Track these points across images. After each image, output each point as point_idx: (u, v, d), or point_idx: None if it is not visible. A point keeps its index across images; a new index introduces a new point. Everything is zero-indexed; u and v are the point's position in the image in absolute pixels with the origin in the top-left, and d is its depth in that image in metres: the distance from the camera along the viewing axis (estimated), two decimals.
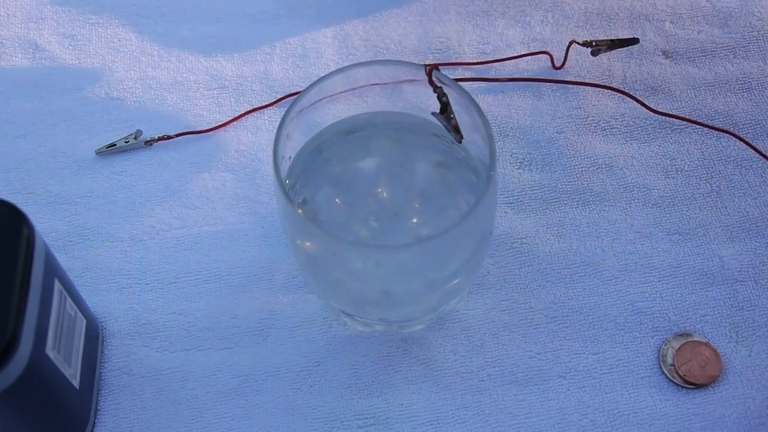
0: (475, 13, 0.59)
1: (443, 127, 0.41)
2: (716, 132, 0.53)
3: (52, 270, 0.40)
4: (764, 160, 0.52)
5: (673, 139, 0.53)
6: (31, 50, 0.59)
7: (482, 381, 0.46)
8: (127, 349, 0.47)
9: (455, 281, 0.42)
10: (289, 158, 0.43)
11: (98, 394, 0.46)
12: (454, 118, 0.38)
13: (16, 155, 0.54)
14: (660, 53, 0.56)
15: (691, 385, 0.45)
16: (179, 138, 0.54)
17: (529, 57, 0.56)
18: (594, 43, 0.54)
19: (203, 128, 0.55)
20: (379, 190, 0.45)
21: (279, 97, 0.56)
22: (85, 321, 0.44)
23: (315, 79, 0.43)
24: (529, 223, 0.50)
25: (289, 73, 0.57)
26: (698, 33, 0.57)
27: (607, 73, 0.56)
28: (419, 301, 0.43)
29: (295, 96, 0.41)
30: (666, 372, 0.45)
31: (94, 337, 0.46)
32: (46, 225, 0.51)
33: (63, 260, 0.43)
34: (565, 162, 0.52)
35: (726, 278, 0.48)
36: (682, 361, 0.45)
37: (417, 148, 0.45)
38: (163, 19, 0.60)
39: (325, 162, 0.45)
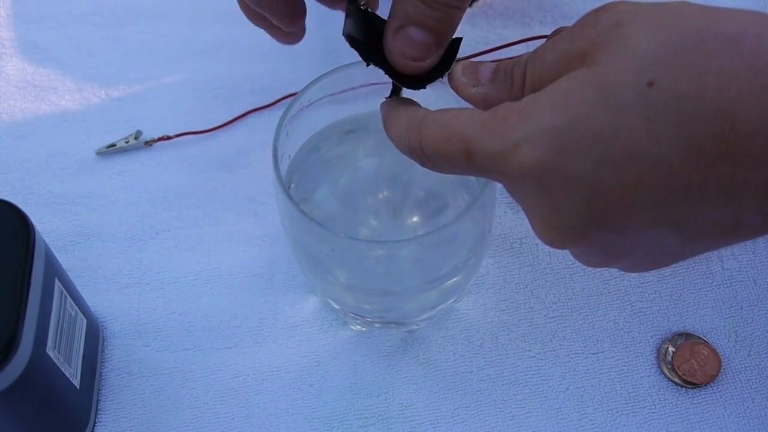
0: (475, 13, 0.59)
1: None
2: None
3: (53, 270, 0.40)
4: None
5: None
6: (31, 50, 0.59)
7: (482, 381, 0.46)
8: (127, 348, 0.47)
9: (454, 279, 0.42)
10: (289, 157, 0.43)
11: (98, 393, 0.46)
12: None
13: (16, 155, 0.55)
14: None
15: (690, 384, 0.45)
16: (179, 138, 0.55)
17: None
18: None
19: (203, 128, 0.55)
20: (379, 189, 0.45)
21: (278, 97, 0.56)
22: (85, 321, 0.44)
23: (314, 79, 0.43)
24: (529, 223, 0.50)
25: (288, 74, 0.57)
26: None
27: None
28: (418, 299, 0.44)
29: (295, 96, 0.41)
30: (665, 371, 0.45)
31: (94, 336, 0.46)
32: (46, 225, 0.51)
33: (63, 260, 0.43)
34: None
35: (725, 278, 0.48)
36: (681, 360, 0.45)
37: None
38: (163, 19, 0.60)
39: (325, 161, 0.45)
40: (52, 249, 0.41)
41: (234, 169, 0.53)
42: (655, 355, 0.46)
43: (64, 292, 0.41)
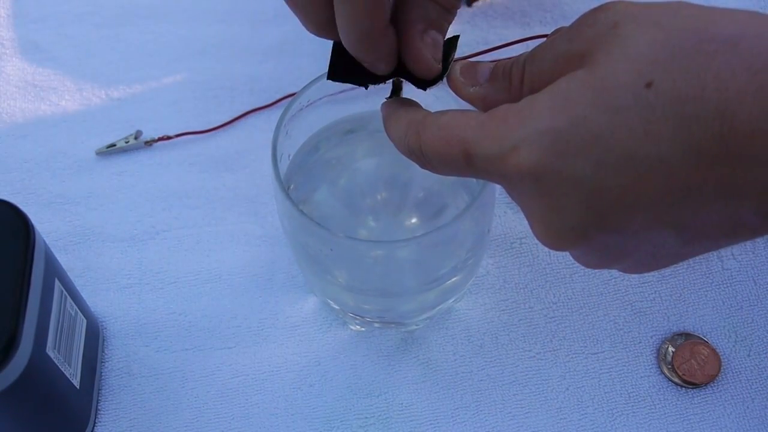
0: (475, 13, 0.59)
1: None
2: None
3: (53, 270, 0.40)
4: None
5: None
6: (31, 50, 0.59)
7: (482, 381, 0.46)
8: (127, 348, 0.47)
9: (453, 279, 0.42)
10: (289, 156, 0.43)
11: (98, 393, 0.46)
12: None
13: (16, 155, 0.55)
14: None
15: (690, 384, 0.45)
16: (179, 138, 0.55)
17: None
18: None
19: (203, 128, 0.55)
20: (378, 189, 0.45)
21: (279, 97, 0.56)
22: (85, 321, 0.44)
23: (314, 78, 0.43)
24: (529, 225, 0.50)
25: (288, 74, 0.57)
26: None
27: None
28: (417, 299, 0.44)
29: (295, 96, 0.41)
30: (665, 371, 0.45)
31: (94, 336, 0.46)
32: (46, 225, 0.51)
33: (63, 260, 0.43)
34: None
35: (725, 278, 0.48)
36: (681, 360, 0.45)
37: None
38: (163, 19, 0.60)
39: (325, 161, 0.45)
40: (52, 249, 0.41)
41: (234, 169, 0.53)
42: (655, 355, 0.46)
43: (64, 292, 0.41)
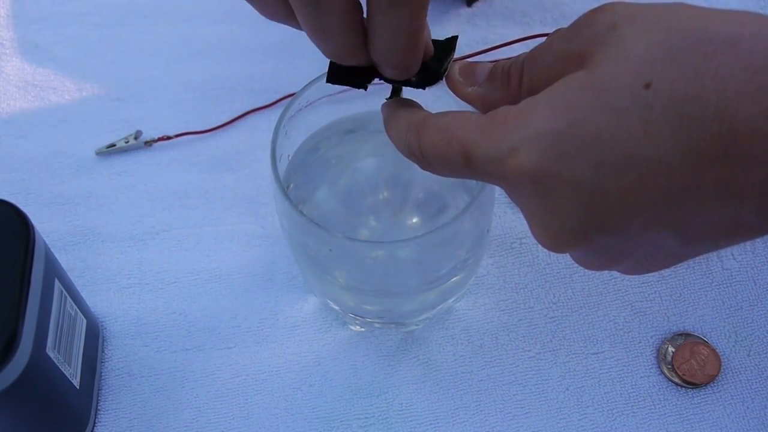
0: (475, 13, 0.59)
1: None
2: None
3: (53, 270, 0.40)
4: None
5: None
6: (31, 50, 0.59)
7: (482, 381, 0.46)
8: (127, 349, 0.47)
9: (453, 279, 0.42)
10: (288, 157, 0.43)
11: (98, 393, 0.46)
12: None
13: (16, 155, 0.55)
14: None
15: (690, 384, 0.45)
16: (179, 138, 0.55)
17: None
18: None
19: (203, 128, 0.55)
20: (378, 189, 0.45)
21: (278, 97, 0.56)
22: (85, 321, 0.44)
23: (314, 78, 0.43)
24: (528, 227, 0.50)
25: (288, 74, 0.57)
26: None
27: None
28: (417, 299, 0.44)
29: (294, 96, 0.41)
30: (665, 371, 0.45)
31: (94, 336, 0.46)
32: (46, 225, 0.51)
33: (63, 260, 0.44)
34: None
35: (725, 278, 0.48)
36: (681, 360, 0.45)
37: None
38: (163, 19, 0.60)
39: (324, 161, 0.45)
40: (52, 249, 0.41)
41: (234, 169, 0.53)
42: (655, 355, 0.46)
43: (64, 292, 0.41)
